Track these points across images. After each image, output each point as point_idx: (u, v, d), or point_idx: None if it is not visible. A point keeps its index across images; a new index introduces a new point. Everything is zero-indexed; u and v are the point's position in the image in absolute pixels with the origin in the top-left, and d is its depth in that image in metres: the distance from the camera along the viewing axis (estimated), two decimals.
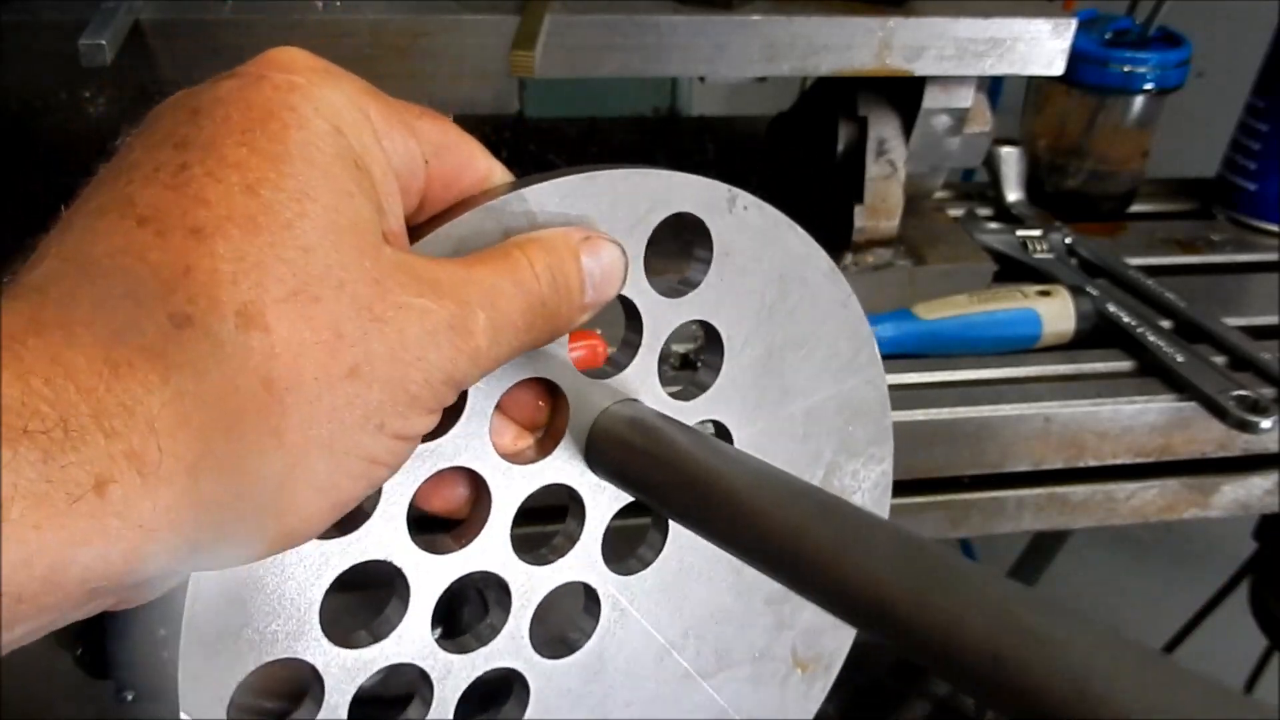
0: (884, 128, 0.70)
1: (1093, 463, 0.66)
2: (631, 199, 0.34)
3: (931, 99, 0.68)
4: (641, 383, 0.36)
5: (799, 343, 0.39)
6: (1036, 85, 0.89)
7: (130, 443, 0.22)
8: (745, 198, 0.36)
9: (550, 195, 0.32)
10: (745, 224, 0.36)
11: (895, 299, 0.70)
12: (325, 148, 0.26)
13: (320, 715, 0.33)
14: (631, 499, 0.37)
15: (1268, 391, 0.65)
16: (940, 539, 0.79)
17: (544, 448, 0.35)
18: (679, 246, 0.39)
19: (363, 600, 0.35)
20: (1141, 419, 0.65)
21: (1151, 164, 0.88)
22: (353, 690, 0.34)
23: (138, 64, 0.57)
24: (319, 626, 0.33)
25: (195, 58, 0.59)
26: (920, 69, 0.65)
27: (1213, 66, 1.01)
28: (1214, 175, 0.91)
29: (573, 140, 0.91)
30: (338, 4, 0.61)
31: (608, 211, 0.33)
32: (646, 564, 0.39)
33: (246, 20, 0.59)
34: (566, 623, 0.39)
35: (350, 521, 0.32)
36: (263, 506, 0.24)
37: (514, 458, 0.35)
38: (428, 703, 0.35)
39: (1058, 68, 0.67)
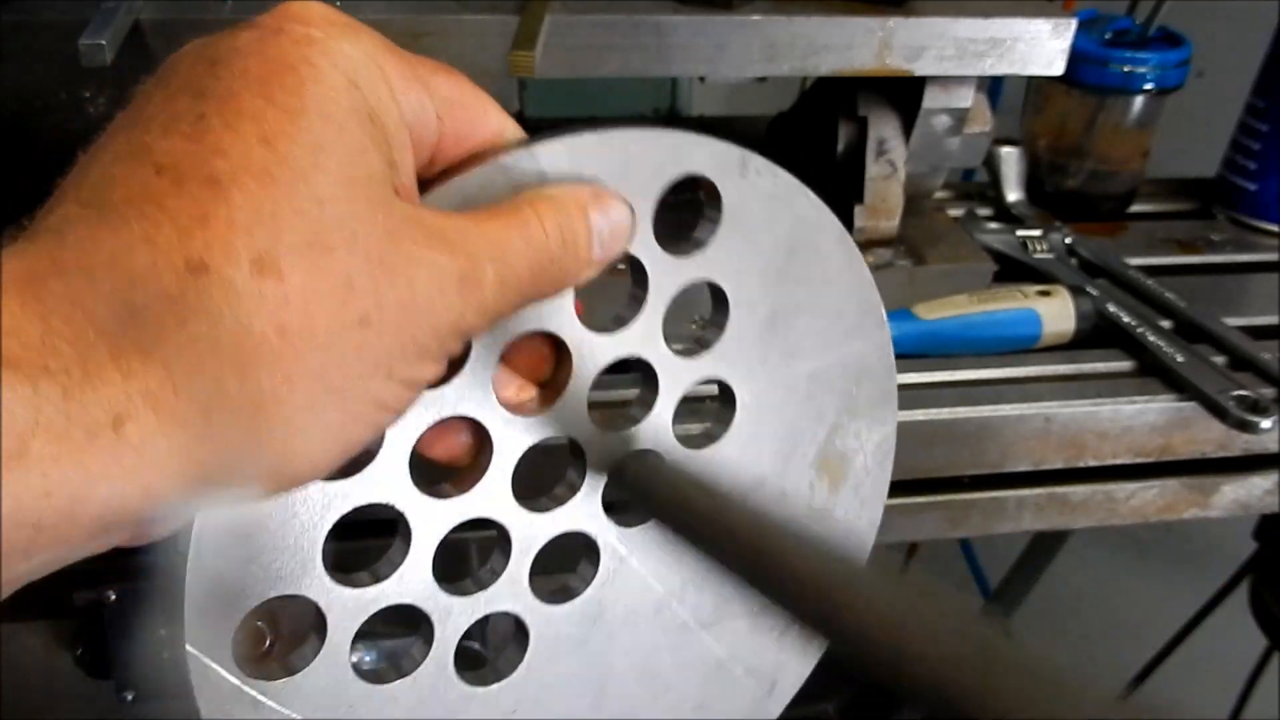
0: (884, 128, 0.70)
1: (1093, 463, 0.66)
2: (643, 159, 0.34)
3: (931, 99, 0.68)
4: (646, 338, 0.37)
5: (806, 306, 0.39)
6: (1036, 85, 0.89)
7: (147, 383, 0.23)
8: (758, 161, 0.37)
9: (561, 153, 0.32)
10: (757, 188, 0.37)
11: (895, 299, 0.70)
12: (341, 102, 0.26)
13: (324, 652, 0.34)
14: None
15: (1268, 391, 0.65)
16: (940, 539, 0.79)
17: (547, 399, 0.36)
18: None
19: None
20: (1141, 419, 0.65)
21: (1151, 164, 0.88)
22: (355, 629, 0.34)
23: (138, 64, 0.57)
24: (322, 566, 0.33)
25: None
26: (920, 69, 0.65)
27: (1213, 66, 1.01)
28: (1214, 175, 0.91)
29: None
30: (337, 4, 0.61)
31: (619, 170, 0.33)
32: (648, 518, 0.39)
33: (246, 20, 0.59)
34: (567, 571, 0.39)
35: (354, 465, 0.33)
36: (273, 448, 0.25)
37: (517, 409, 0.35)
38: (429, 643, 0.36)
39: (1058, 68, 0.67)
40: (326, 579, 0.33)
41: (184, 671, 0.32)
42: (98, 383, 0.22)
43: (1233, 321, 0.73)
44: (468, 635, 0.37)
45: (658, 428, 0.38)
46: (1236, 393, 0.64)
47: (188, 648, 0.32)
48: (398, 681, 0.36)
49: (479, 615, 0.37)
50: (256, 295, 0.24)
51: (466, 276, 0.28)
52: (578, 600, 0.39)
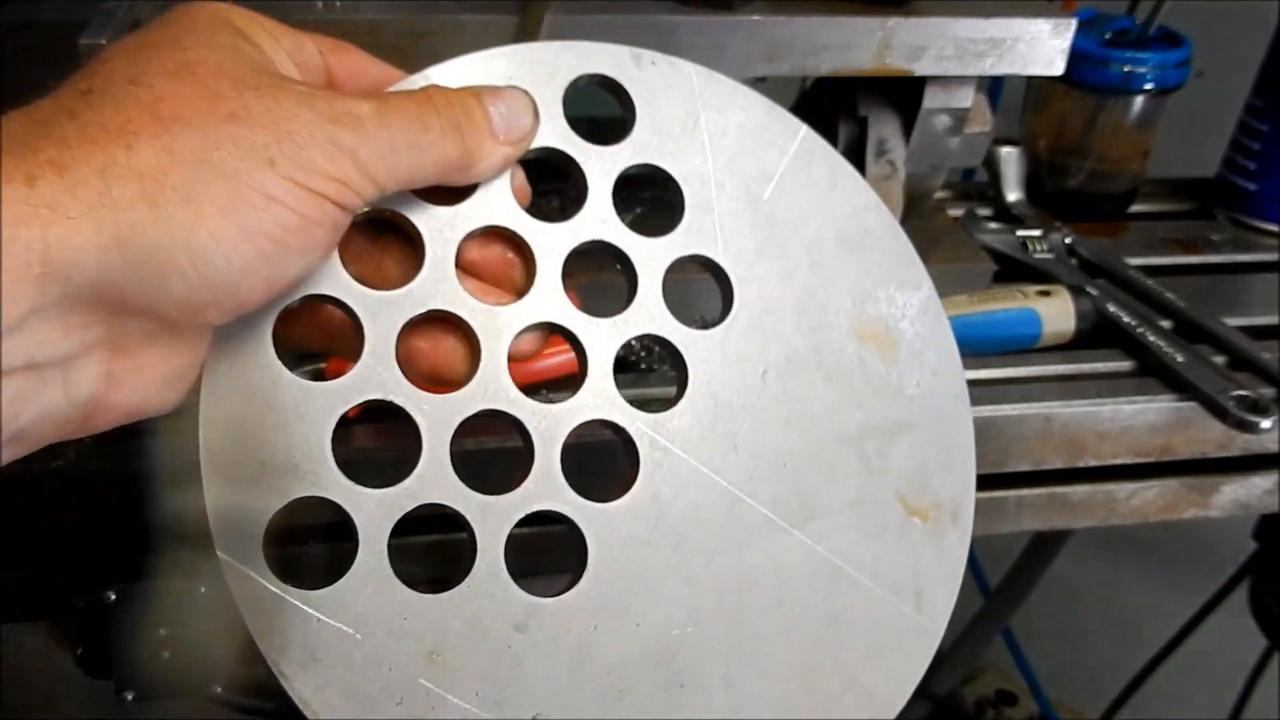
0: (884, 128, 0.70)
1: (1093, 463, 0.66)
2: (535, 70, 0.37)
3: (931, 99, 0.68)
4: (601, 221, 0.38)
5: (763, 174, 0.40)
6: (1036, 85, 0.89)
7: (49, 154, 0.28)
8: (650, 54, 0.39)
9: (454, 74, 0.36)
10: (658, 77, 0.39)
11: None
12: (203, 18, 0.33)
13: (360, 560, 0.34)
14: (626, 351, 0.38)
15: (1268, 391, 0.65)
16: None
17: (523, 294, 0.37)
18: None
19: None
20: (1141, 419, 0.65)
21: (1151, 164, 0.88)
22: (387, 533, 0.34)
23: None
24: (336, 465, 0.34)
25: None
26: (920, 69, 0.65)
27: (1213, 66, 1.01)
28: (1214, 175, 0.91)
29: None
30: (337, 4, 0.61)
31: (514, 79, 0.36)
32: (673, 402, 0.38)
33: None
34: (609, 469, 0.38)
35: (349, 355, 0.35)
36: (173, 214, 0.29)
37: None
38: (474, 549, 0.35)
39: (1058, 68, 0.67)
40: (345, 480, 0.34)
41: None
42: (14, 158, 0.28)
43: (1233, 321, 0.73)
44: (517, 539, 0.36)
45: (652, 310, 0.38)
46: (1236, 393, 0.64)
47: (220, 555, 0.32)
48: (450, 591, 0.34)
49: (520, 515, 0.36)
50: (133, 97, 0.30)
51: (338, 101, 0.31)
52: (628, 497, 0.37)
